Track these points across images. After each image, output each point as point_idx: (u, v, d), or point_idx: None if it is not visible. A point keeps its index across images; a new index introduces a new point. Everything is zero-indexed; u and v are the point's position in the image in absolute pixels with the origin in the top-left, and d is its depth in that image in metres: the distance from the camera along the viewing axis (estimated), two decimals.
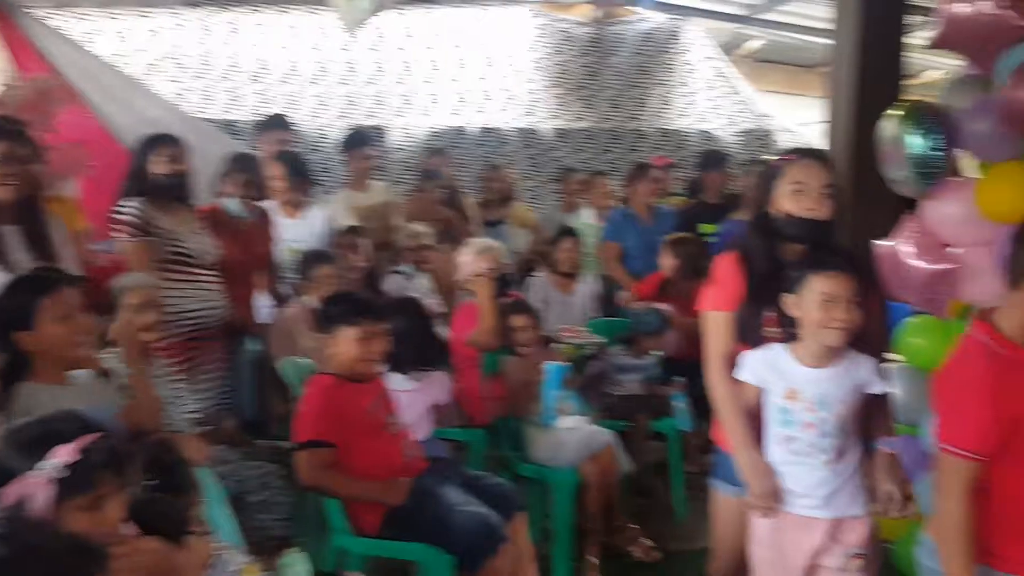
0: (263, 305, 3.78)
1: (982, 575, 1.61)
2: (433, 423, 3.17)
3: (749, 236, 2.14)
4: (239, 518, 2.34)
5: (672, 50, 7.03)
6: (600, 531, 3.18)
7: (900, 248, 2.96)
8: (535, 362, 3.40)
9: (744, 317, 2.07)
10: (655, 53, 7.01)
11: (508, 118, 6.74)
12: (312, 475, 2.53)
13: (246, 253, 3.70)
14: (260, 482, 2.70)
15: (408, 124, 6.47)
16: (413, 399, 3.05)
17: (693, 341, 4.07)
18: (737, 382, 2.06)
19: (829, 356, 1.94)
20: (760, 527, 2.03)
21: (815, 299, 1.89)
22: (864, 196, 3.73)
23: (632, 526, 3.25)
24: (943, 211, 2.91)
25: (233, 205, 3.69)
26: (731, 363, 2.09)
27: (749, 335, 2.06)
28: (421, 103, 6.59)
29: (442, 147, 5.95)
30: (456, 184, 5.31)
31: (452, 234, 4.64)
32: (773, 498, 1.97)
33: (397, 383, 3.01)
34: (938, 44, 2.91)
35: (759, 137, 6.97)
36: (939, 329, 3.03)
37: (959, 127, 2.80)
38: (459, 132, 6.52)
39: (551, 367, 3.32)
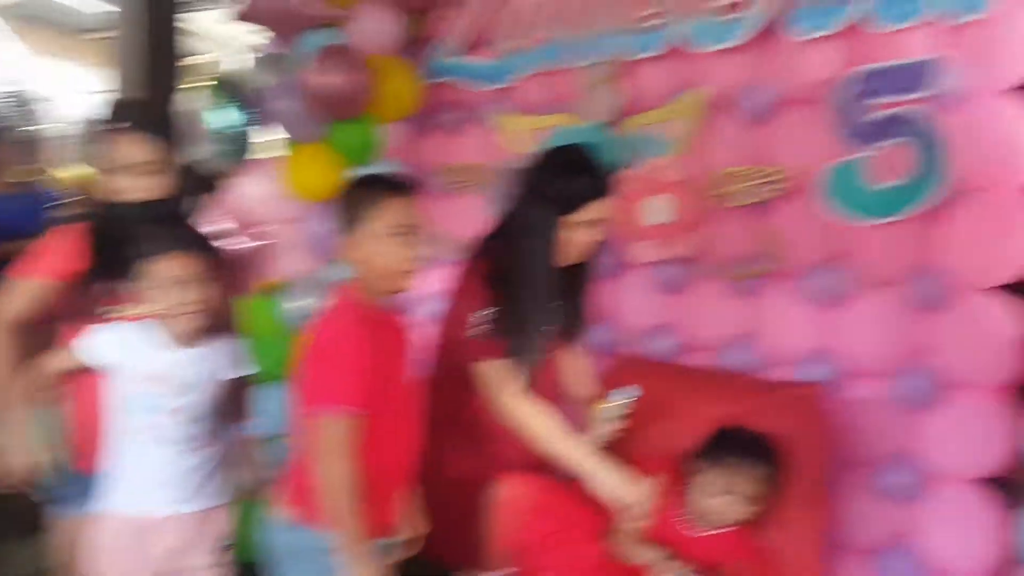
0: None
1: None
2: None
3: (92, 213, 1.96)
4: None
5: None
6: None
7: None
8: None
9: (84, 294, 1.87)
10: None
11: None
12: None
13: None
14: None
15: None
16: None
17: None
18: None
19: (189, 337, 1.77)
20: (112, 537, 1.74)
21: (160, 283, 1.70)
22: None
23: None
24: (251, 190, 2.93)
25: None
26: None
27: (88, 314, 1.85)
28: None
29: None
30: None
31: None
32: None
33: None
34: (244, 18, 2.90)
35: (24, 102, 6.09)
36: (257, 305, 3.07)
37: (267, 105, 2.84)
38: None
39: None
